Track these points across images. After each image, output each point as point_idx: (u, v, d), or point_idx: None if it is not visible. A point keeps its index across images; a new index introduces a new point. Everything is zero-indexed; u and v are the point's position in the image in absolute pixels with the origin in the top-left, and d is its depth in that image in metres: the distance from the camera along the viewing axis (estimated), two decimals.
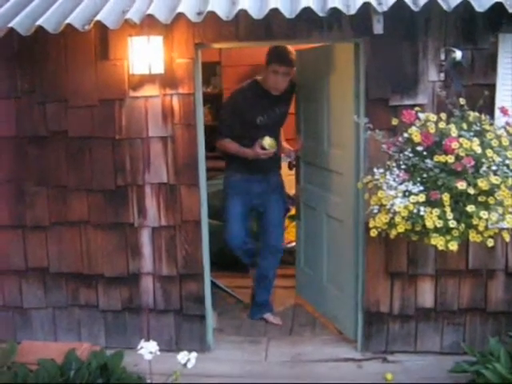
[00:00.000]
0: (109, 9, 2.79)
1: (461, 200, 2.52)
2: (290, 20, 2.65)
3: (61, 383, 2.85)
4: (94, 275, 3.49)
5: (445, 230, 2.52)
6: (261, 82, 3.77)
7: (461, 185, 2.46)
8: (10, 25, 2.73)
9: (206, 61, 3.60)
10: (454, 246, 2.53)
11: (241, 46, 3.62)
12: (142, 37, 3.02)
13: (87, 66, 3.23)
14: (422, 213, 2.50)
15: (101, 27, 2.76)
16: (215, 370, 3.29)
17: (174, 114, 3.25)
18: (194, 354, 2.47)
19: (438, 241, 2.52)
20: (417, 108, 2.81)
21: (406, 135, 2.68)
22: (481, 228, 2.52)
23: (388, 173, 2.66)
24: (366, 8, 2.60)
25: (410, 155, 2.64)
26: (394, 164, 2.68)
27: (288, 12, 2.64)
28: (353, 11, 2.61)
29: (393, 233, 2.65)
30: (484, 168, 2.51)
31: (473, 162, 2.49)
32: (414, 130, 2.65)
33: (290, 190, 4.40)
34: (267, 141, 3.68)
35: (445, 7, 2.66)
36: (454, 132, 2.58)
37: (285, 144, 4.03)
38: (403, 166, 2.65)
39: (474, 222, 2.50)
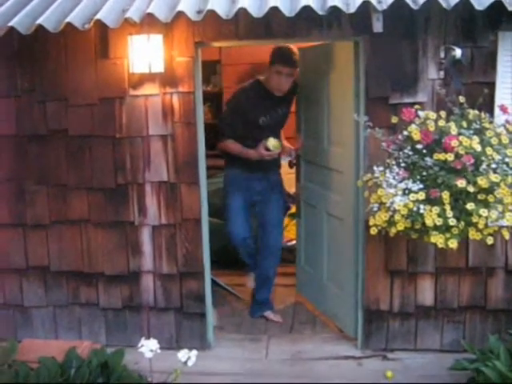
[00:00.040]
0: (109, 8, 2.79)
1: (460, 198, 2.52)
2: (289, 18, 2.65)
3: (61, 382, 2.86)
4: (94, 273, 3.49)
5: (444, 228, 2.52)
6: (263, 82, 3.76)
7: (460, 183, 2.47)
8: (10, 24, 2.73)
9: (206, 59, 3.60)
10: (453, 244, 2.53)
11: (241, 45, 3.62)
12: (142, 35, 3.03)
13: (87, 64, 3.23)
14: (421, 211, 2.50)
15: (101, 26, 2.76)
16: (216, 368, 3.29)
17: (174, 112, 3.25)
18: (194, 352, 2.48)
19: (437, 239, 2.52)
20: (416, 106, 2.81)
21: (405, 133, 2.68)
22: (480, 226, 2.52)
23: (388, 171, 2.66)
24: (365, 6, 2.60)
25: (410, 153, 2.64)
26: (394, 162, 2.68)
27: (288, 10, 2.64)
28: (352, 9, 2.61)
29: (392, 231, 2.65)
30: (484, 166, 2.51)
31: (472, 160, 2.49)
32: (413, 128, 2.65)
33: (291, 188, 4.41)
34: (271, 142, 3.68)
35: (444, 5, 2.66)
36: (453, 130, 2.58)
37: (285, 143, 4.04)
38: (403, 164, 2.66)
39: (474, 219, 2.50)
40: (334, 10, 2.62)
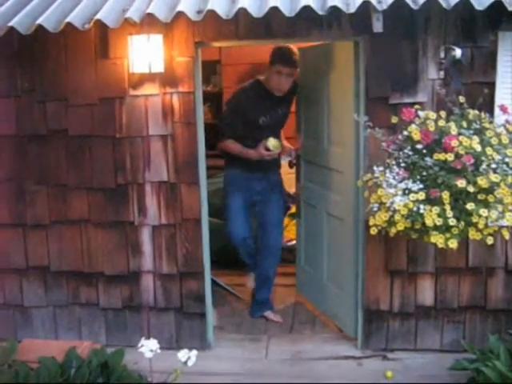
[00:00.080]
0: (109, 8, 2.79)
1: (460, 198, 2.52)
2: (289, 18, 2.65)
3: (61, 382, 2.86)
4: (94, 273, 3.49)
5: (444, 228, 2.52)
6: (263, 82, 3.76)
7: (460, 183, 2.47)
8: (10, 24, 2.73)
9: (206, 59, 3.60)
10: (453, 244, 2.53)
11: (241, 45, 3.62)
12: (142, 35, 3.03)
13: (87, 64, 3.23)
14: (421, 211, 2.50)
15: (101, 26, 2.76)
16: (216, 368, 3.29)
17: (174, 112, 3.25)
18: (194, 352, 2.48)
19: (437, 239, 2.52)
20: (416, 106, 2.81)
21: (405, 133, 2.68)
22: (480, 226, 2.52)
23: (388, 171, 2.66)
24: (365, 6, 2.60)
25: (410, 153, 2.64)
26: (394, 162, 2.68)
27: (288, 10, 2.64)
28: (352, 10, 2.61)
29: (392, 231, 2.65)
30: (484, 166, 2.51)
31: (472, 160, 2.49)
32: (413, 128, 2.65)
33: (291, 188, 4.41)
34: (271, 142, 3.68)
35: (444, 5, 2.66)
36: (453, 130, 2.58)
37: (285, 143, 4.03)
38: (403, 164, 2.66)
39: (474, 219, 2.50)
40: (334, 9, 2.62)
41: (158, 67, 3.10)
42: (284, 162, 4.11)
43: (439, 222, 2.48)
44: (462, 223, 2.52)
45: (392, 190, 2.57)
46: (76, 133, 3.33)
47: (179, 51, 3.17)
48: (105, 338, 3.54)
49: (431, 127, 2.62)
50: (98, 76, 3.24)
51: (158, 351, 2.49)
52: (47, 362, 2.94)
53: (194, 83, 3.22)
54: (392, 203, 2.55)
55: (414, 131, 2.62)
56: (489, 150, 2.53)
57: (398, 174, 2.61)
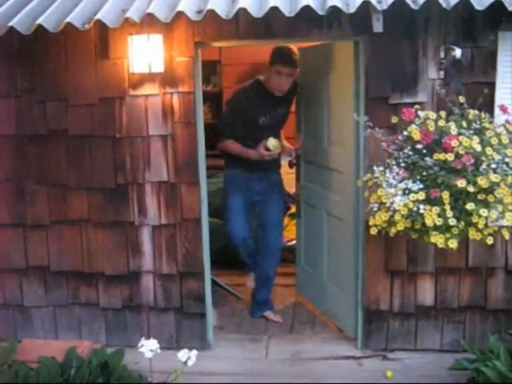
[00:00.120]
0: (109, 8, 2.79)
1: (460, 198, 2.52)
2: (289, 18, 2.65)
3: (61, 382, 2.86)
4: (94, 273, 3.49)
5: (444, 228, 2.52)
6: (263, 82, 3.76)
7: (460, 183, 2.47)
8: (10, 24, 2.73)
9: (206, 59, 3.59)
10: (453, 244, 2.53)
11: (240, 45, 3.62)
12: (142, 35, 3.03)
13: (87, 64, 3.23)
14: (421, 211, 2.50)
15: (101, 26, 2.76)
16: (216, 368, 3.29)
17: (174, 112, 3.25)
18: (194, 352, 2.48)
19: (437, 239, 2.52)
20: (416, 106, 2.81)
21: (405, 133, 2.68)
22: (480, 226, 2.52)
23: (388, 171, 2.66)
24: (365, 6, 2.60)
25: (410, 153, 2.64)
26: (394, 162, 2.68)
27: (288, 10, 2.64)
28: (352, 9, 2.61)
29: (392, 231, 2.65)
30: (484, 166, 2.51)
31: (472, 160, 2.49)
32: (413, 128, 2.65)
33: (291, 188, 4.41)
34: (271, 142, 3.68)
35: (444, 5, 2.66)
36: (453, 130, 2.58)
37: (285, 143, 4.04)
38: (403, 164, 2.66)
39: (474, 219, 2.50)
40: (334, 9, 2.62)
41: (158, 67, 3.10)
42: (284, 162, 4.11)
43: (439, 222, 2.48)
44: (462, 223, 2.52)
45: (392, 190, 2.57)
46: (76, 133, 3.33)
47: (179, 51, 3.17)
48: (105, 337, 3.54)
49: (431, 127, 2.62)
50: (98, 76, 3.24)
51: (158, 351, 2.49)
52: (47, 361, 2.94)
53: (194, 83, 3.22)
54: (392, 203, 2.55)
55: (414, 131, 2.62)
56: (489, 150, 2.53)
57: (397, 173, 2.61)
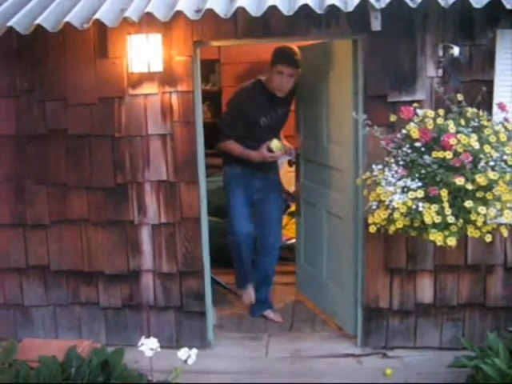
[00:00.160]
0: (107, 7, 2.80)
1: (459, 195, 2.53)
2: (288, 17, 2.66)
3: (62, 381, 2.86)
4: (94, 273, 3.50)
5: (443, 226, 2.52)
6: (265, 82, 3.75)
7: (459, 180, 2.47)
8: (9, 24, 2.73)
9: (205, 58, 3.60)
10: (452, 242, 2.53)
11: (239, 44, 3.62)
12: (141, 35, 3.03)
13: (86, 64, 3.24)
14: (420, 208, 2.51)
15: (99, 25, 2.77)
16: (216, 367, 3.30)
17: (173, 111, 3.25)
18: (194, 351, 2.48)
19: (436, 236, 2.53)
20: (415, 104, 2.82)
21: (404, 131, 2.69)
22: (479, 223, 2.53)
23: (386, 169, 2.67)
24: (363, 5, 2.60)
25: (409, 151, 2.65)
26: (393, 160, 2.69)
27: (286, 9, 2.65)
28: (350, 8, 2.62)
29: (392, 229, 2.65)
30: (482, 164, 2.52)
31: (471, 158, 2.50)
32: (412, 126, 2.66)
33: (290, 186, 4.41)
34: (275, 143, 3.67)
35: (442, 3, 2.67)
36: (452, 128, 2.59)
37: (285, 142, 4.04)
38: (401, 162, 2.66)
39: (473, 217, 2.51)
40: (333, 8, 2.62)
41: (157, 66, 3.10)
42: (284, 161, 4.10)
43: (438, 219, 2.49)
44: (461, 221, 2.53)
45: (391, 188, 2.58)
46: (75, 132, 3.33)
47: (178, 50, 3.17)
48: (105, 337, 3.55)
49: (429, 125, 2.63)
50: (97, 75, 3.25)
51: (158, 350, 2.49)
52: (47, 361, 2.94)
53: (193, 82, 3.22)
54: (391, 201, 2.56)
55: (413, 129, 2.63)
56: (487, 148, 2.53)
57: (396, 172, 2.62)
